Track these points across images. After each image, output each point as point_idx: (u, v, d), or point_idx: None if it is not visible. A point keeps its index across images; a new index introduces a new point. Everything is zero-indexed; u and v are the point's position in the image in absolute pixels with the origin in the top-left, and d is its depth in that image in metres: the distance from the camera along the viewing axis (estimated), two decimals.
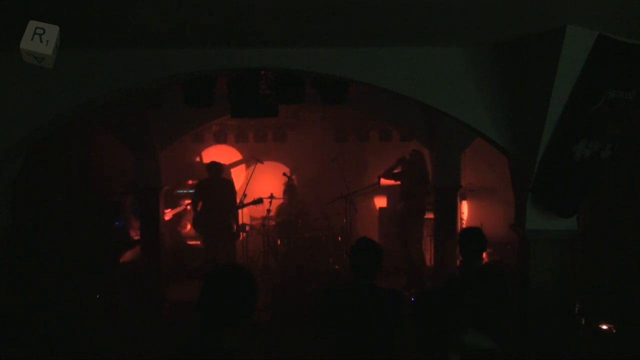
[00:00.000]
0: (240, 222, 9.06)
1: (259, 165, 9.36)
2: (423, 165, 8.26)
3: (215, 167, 8.56)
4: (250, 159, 9.83)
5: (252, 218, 10.00)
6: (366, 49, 4.46)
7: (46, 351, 5.04)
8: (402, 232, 8.43)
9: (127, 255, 8.83)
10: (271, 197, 9.57)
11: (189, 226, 9.91)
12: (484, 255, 4.99)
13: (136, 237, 8.49)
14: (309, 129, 10.35)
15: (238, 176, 10.33)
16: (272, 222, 9.58)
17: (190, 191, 9.63)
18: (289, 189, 9.95)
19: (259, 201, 8.90)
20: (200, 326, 2.43)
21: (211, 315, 2.41)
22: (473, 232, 4.51)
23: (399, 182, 8.67)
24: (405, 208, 8.34)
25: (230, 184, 8.77)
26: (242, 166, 10.56)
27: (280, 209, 9.96)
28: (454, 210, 8.16)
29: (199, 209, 8.49)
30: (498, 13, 3.35)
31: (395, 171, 8.59)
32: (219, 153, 10.34)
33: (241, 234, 9.24)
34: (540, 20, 3.52)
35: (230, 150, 10.59)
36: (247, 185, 8.94)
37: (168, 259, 9.04)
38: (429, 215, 8.58)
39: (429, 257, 9.01)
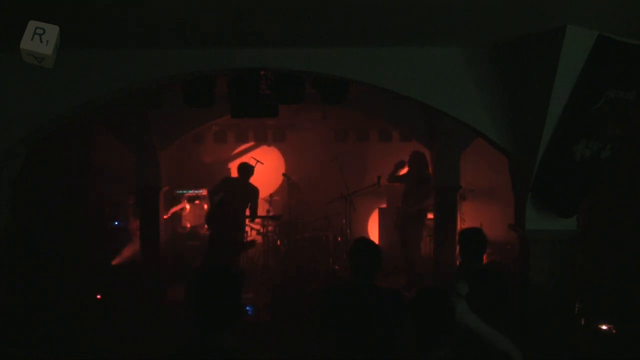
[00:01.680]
0: None
1: (259, 165, 9.35)
2: (423, 165, 8.24)
3: (246, 169, 8.41)
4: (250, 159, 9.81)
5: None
6: (366, 49, 4.46)
7: (46, 351, 5.03)
8: (403, 233, 8.43)
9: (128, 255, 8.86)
10: (271, 197, 9.57)
11: (188, 225, 9.91)
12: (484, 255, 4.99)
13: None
14: (309, 129, 10.35)
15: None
16: (272, 223, 9.58)
17: (190, 191, 9.63)
18: (292, 186, 9.94)
19: (277, 218, 8.85)
20: (199, 326, 2.43)
21: (211, 315, 2.41)
22: (473, 232, 4.50)
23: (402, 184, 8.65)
24: (407, 209, 8.33)
25: (256, 191, 8.56)
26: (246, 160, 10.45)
27: (280, 209, 9.96)
28: (454, 211, 8.15)
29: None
30: (498, 13, 3.35)
31: (401, 173, 8.58)
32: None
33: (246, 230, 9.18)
34: (540, 20, 3.53)
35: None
36: None
37: (168, 259, 9.03)
38: (429, 216, 8.57)
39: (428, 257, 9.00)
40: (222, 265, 2.80)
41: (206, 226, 8.89)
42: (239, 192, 8.28)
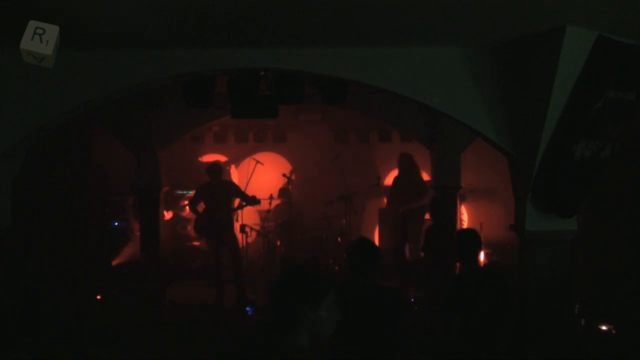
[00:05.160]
0: (240, 222, 9.03)
1: (258, 166, 9.35)
2: (413, 165, 8.27)
3: (215, 169, 8.40)
4: (250, 160, 9.81)
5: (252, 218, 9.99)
6: (366, 49, 4.46)
7: (46, 351, 5.04)
8: (401, 233, 8.45)
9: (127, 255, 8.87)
10: (270, 198, 9.57)
11: (189, 227, 9.91)
12: (483, 256, 4.99)
13: None
14: (309, 129, 10.35)
15: (241, 173, 10.27)
16: (272, 223, 9.59)
17: (191, 192, 9.63)
18: (284, 193, 9.95)
19: (256, 202, 8.79)
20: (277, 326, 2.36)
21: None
22: (467, 234, 4.52)
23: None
24: (406, 210, 8.35)
25: (234, 184, 8.63)
26: (246, 161, 10.42)
27: (280, 209, 9.96)
28: (454, 211, 8.15)
29: (200, 211, 8.40)
30: (498, 13, 3.35)
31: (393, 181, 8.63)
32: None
33: (246, 230, 9.14)
34: (540, 20, 3.52)
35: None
36: (247, 185, 8.94)
37: (168, 259, 9.03)
38: (428, 216, 8.57)
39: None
40: (306, 264, 2.78)
41: (195, 234, 8.85)
42: (218, 192, 8.18)
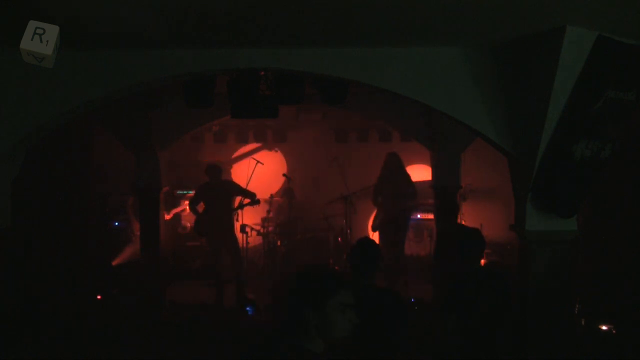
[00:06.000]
0: (240, 222, 9.03)
1: (259, 165, 9.36)
2: (399, 165, 8.30)
3: (214, 169, 8.37)
4: (250, 160, 9.81)
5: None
6: (366, 49, 4.46)
7: (46, 351, 5.04)
8: (393, 235, 8.48)
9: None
10: (271, 197, 9.57)
11: (188, 226, 9.91)
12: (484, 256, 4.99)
13: None
14: (309, 129, 10.35)
15: (241, 172, 10.27)
16: (272, 223, 9.59)
17: (191, 192, 9.65)
18: (287, 192, 9.96)
19: (256, 202, 8.78)
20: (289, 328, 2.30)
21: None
22: (474, 234, 4.51)
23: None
24: (401, 211, 8.37)
25: (234, 183, 8.67)
26: (246, 161, 10.41)
27: (280, 210, 9.97)
28: (454, 211, 8.15)
29: (200, 211, 8.40)
30: (498, 13, 3.35)
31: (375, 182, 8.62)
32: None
33: (247, 230, 9.14)
34: (540, 20, 3.53)
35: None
36: (246, 185, 8.95)
37: (168, 259, 9.04)
38: (429, 216, 8.59)
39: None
40: (313, 265, 2.76)
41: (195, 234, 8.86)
42: (217, 192, 8.20)
